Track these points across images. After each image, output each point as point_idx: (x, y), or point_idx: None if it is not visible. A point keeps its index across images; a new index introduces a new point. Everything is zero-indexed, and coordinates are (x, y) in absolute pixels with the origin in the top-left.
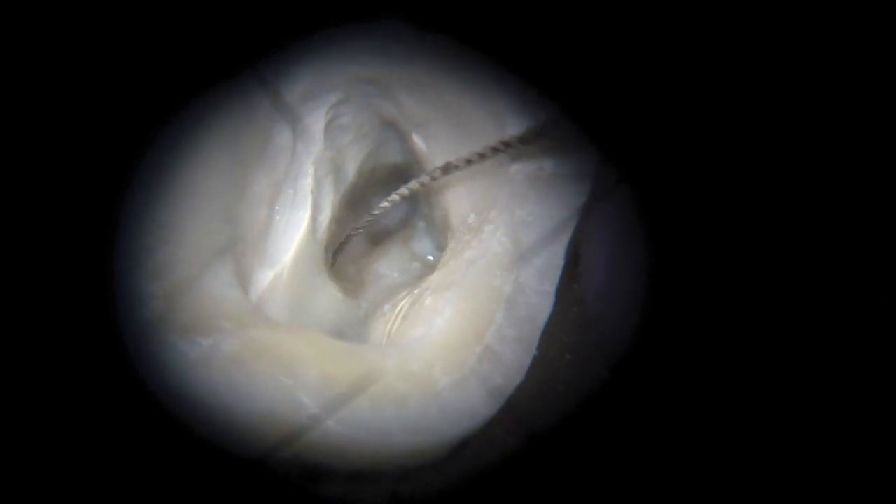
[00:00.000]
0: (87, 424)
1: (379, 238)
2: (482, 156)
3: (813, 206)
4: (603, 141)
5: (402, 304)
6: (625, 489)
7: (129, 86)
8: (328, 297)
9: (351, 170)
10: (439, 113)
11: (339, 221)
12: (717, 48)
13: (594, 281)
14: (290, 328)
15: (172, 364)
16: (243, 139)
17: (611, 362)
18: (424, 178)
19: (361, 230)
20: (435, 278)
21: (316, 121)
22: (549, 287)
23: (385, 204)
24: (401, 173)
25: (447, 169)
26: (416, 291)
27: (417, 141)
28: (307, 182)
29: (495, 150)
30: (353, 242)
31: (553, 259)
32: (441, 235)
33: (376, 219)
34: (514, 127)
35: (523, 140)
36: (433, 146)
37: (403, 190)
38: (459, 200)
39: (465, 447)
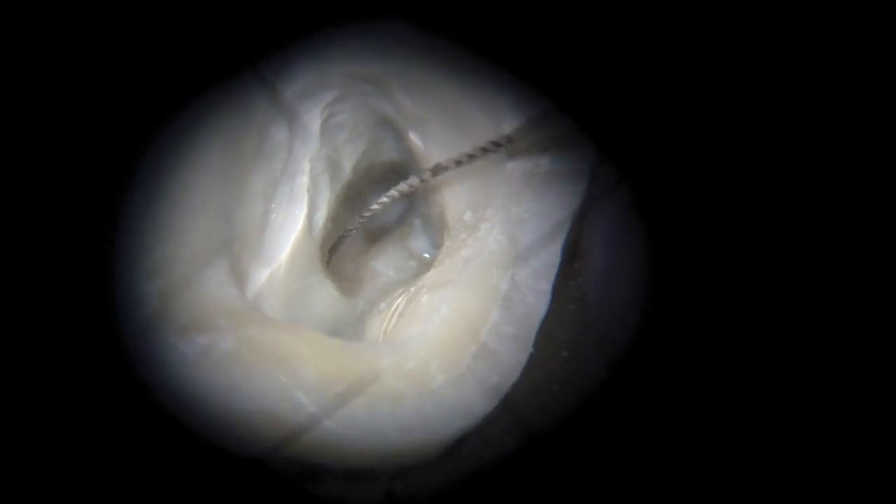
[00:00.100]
0: (86, 422)
1: (375, 236)
2: (473, 156)
3: (813, 206)
4: (602, 140)
5: (398, 301)
6: (622, 488)
7: (129, 86)
8: (325, 295)
9: (347, 168)
10: (436, 111)
11: (335, 219)
12: (716, 47)
13: (595, 280)
14: (286, 326)
15: (170, 362)
16: (240, 137)
17: (610, 361)
18: (414, 180)
19: (357, 228)
20: (431, 276)
21: (312, 119)
22: (546, 285)
23: (381, 202)
24: (397, 171)
25: (438, 170)
26: (412, 289)
27: (414, 139)
28: (303, 180)
29: (487, 149)
30: (349, 240)
31: (549, 257)
32: (437, 233)
33: (372, 217)
34: (510, 126)
35: (514, 138)
36: (430, 144)
37: (395, 191)
38: (456, 198)
39: (460, 445)
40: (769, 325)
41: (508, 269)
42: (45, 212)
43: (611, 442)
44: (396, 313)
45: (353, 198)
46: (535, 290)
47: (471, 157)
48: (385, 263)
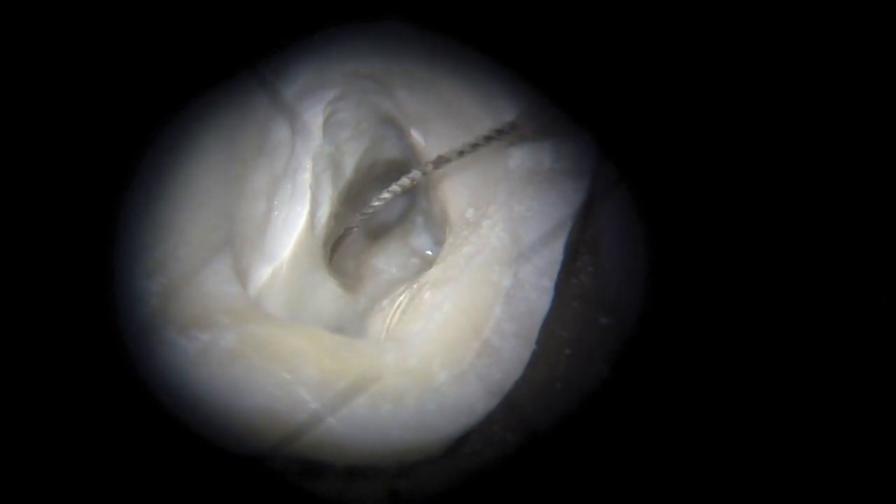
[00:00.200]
0: (87, 420)
1: (377, 233)
2: (475, 145)
3: (813, 205)
4: (603, 140)
5: (400, 299)
6: (623, 485)
7: (130, 86)
8: (327, 293)
9: (349, 165)
10: (437, 109)
11: (337, 217)
12: (717, 47)
13: (595, 279)
14: (288, 323)
15: (171, 359)
16: (241, 135)
17: (612, 359)
18: (416, 174)
19: (358, 225)
20: (433, 273)
21: (314, 117)
22: (548, 282)
23: (382, 198)
24: (399, 169)
25: (440, 162)
26: (414, 286)
27: (416, 137)
28: (305, 178)
29: (490, 137)
30: (351, 238)
31: (552, 254)
32: (439, 231)
33: (373, 214)
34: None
35: (515, 125)
36: (431, 142)
37: (397, 186)
38: (458, 196)
39: (463, 443)
40: (770, 324)
41: (511, 267)
42: (45, 211)
43: (613, 440)
44: (399, 310)
45: (355, 195)
46: (537, 287)
47: (474, 146)
48: (387, 261)
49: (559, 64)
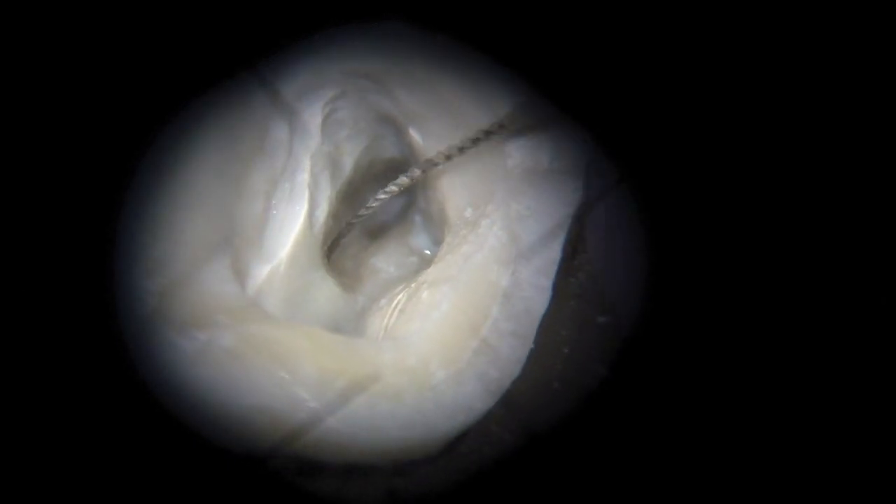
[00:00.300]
0: (85, 419)
1: (376, 233)
2: (475, 140)
3: (813, 205)
4: (603, 139)
5: (398, 298)
6: (621, 484)
7: (130, 86)
8: (325, 292)
9: (348, 165)
10: (436, 108)
11: (335, 216)
12: (717, 46)
13: (594, 279)
14: (286, 323)
15: (169, 359)
16: (239, 135)
17: (610, 358)
18: (414, 172)
19: (356, 224)
20: (431, 272)
21: (312, 116)
22: (546, 281)
23: (381, 197)
24: (398, 168)
25: (439, 160)
26: (412, 286)
27: (414, 136)
28: (304, 177)
29: (487, 133)
30: (349, 237)
31: (550, 253)
32: (438, 230)
33: (371, 213)
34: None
35: (509, 121)
36: (430, 141)
37: (395, 185)
38: (456, 195)
39: (461, 442)
40: (770, 324)
41: (509, 266)
42: (45, 211)
43: (611, 439)
44: (397, 310)
45: (353, 195)
46: (535, 286)
47: (474, 140)
48: (385, 260)
49: (559, 64)
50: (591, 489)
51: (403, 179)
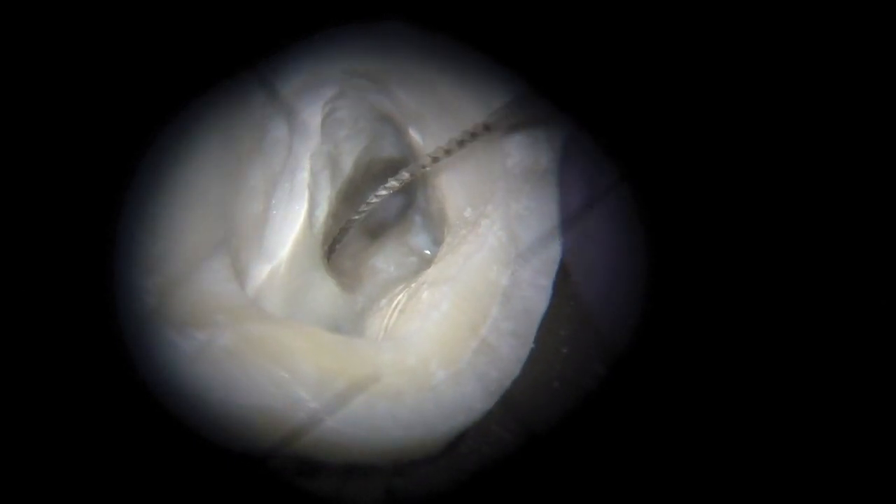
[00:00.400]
0: (84, 418)
1: (376, 233)
2: (474, 134)
3: (814, 205)
4: (605, 139)
5: (398, 298)
6: (621, 485)
7: (130, 86)
8: (325, 292)
9: (347, 164)
10: (435, 108)
11: (335, 216)
12: (718, 45)
13: (593, 281)
14: (286, 322)
15: (168, 358)
16: (239, 134)
17: (610, 359)
18: (414, 167)
19: (355, 222)
20: (431, 272)
21: (312, 115)
22: (546, 281)
23: (380, 194)
24: (397, 167)
25: (437, 156)
26: (412, 286)
27: (413, 135)
28: (303, 176)
29: (485, 127)
30: (349, 237)
31: (549, 253)
32: (438, 230)
33: (372, 212)
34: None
35: (504, 116)
36: (429, 140)
37: (395, 181)
38: (456, 195)
39: (460, 442)
40: (769, 324)
41: (508, 266)
42: (44, 210)
43: (610, 439)
44: (397, 309)
45: (353, 194)
46: (535, 286)
47: (473, 134)
48: (385, 260)
49: (558, 64)
50: (591, 488)
51: (404, 174)
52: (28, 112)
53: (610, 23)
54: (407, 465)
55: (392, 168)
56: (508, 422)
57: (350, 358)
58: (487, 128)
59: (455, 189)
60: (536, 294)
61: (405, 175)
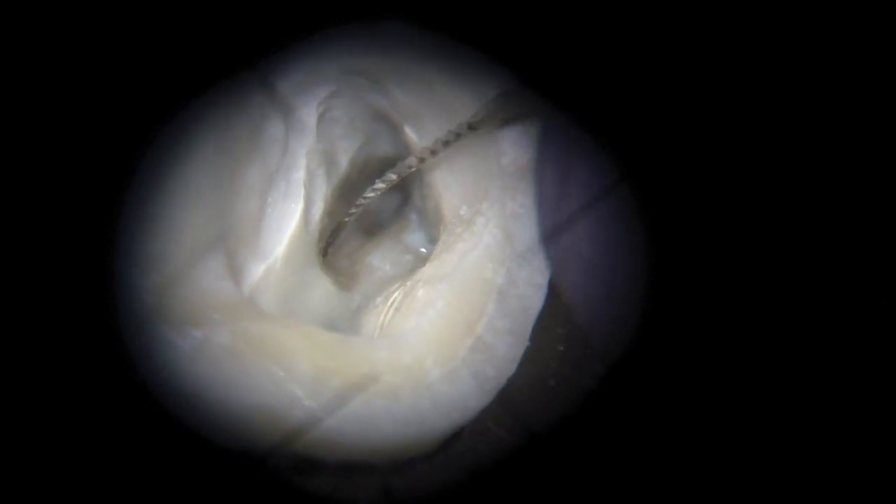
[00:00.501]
0: (82, 416)
1: (371, 231)
2: (471, 126)
3: (813, 205)
4: (604, 139)
5: (394, 296)
6: (618, 484)
7: (129, 86)
8: (321, 290)
9: (343, 162)
10: (431, 106)
11: (331, 214)
12: (718, 45)
13: (593, 278)
14: (282, 320)
15: (165, 356)
16: (235, 132)
17: (607, 357)
18: (411, 160)
19: (350, 220)
20: (427, 270)
21: (308, 113)
22: (542, 279)
23: (375, 188)
24: (393, 165)
25: (432, 150)
26: (408, 284)
27: (409, 133)
28: (299, 175)
29: (481, 121)
30: (345, 235)
31: (545, 251)
32: (433, 228)
33: (367, 209)
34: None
35: (481, 120)
36: (425, 138)
37: (392, 174)
38: (451, 193)
39: (456, 440)
40: (769, 324)
41: (504, 264)
42: (44, 210)
43: (607, 437)
44: (392, 307)
45: (349, 193)
46: (531, 284)
47: (470, 127)
48: (381, 258)
49: (558, 64)
50: (588, 487)
51: (402, 166)
52: (27, 112)
53: (610, 23)
54: (403, 462)
55: (388, 166)
56: (505, 420)
57: (346, 356)
58: (472, 127)
59: (451, 187)
60: (532, 292)
61: (392, 176)
